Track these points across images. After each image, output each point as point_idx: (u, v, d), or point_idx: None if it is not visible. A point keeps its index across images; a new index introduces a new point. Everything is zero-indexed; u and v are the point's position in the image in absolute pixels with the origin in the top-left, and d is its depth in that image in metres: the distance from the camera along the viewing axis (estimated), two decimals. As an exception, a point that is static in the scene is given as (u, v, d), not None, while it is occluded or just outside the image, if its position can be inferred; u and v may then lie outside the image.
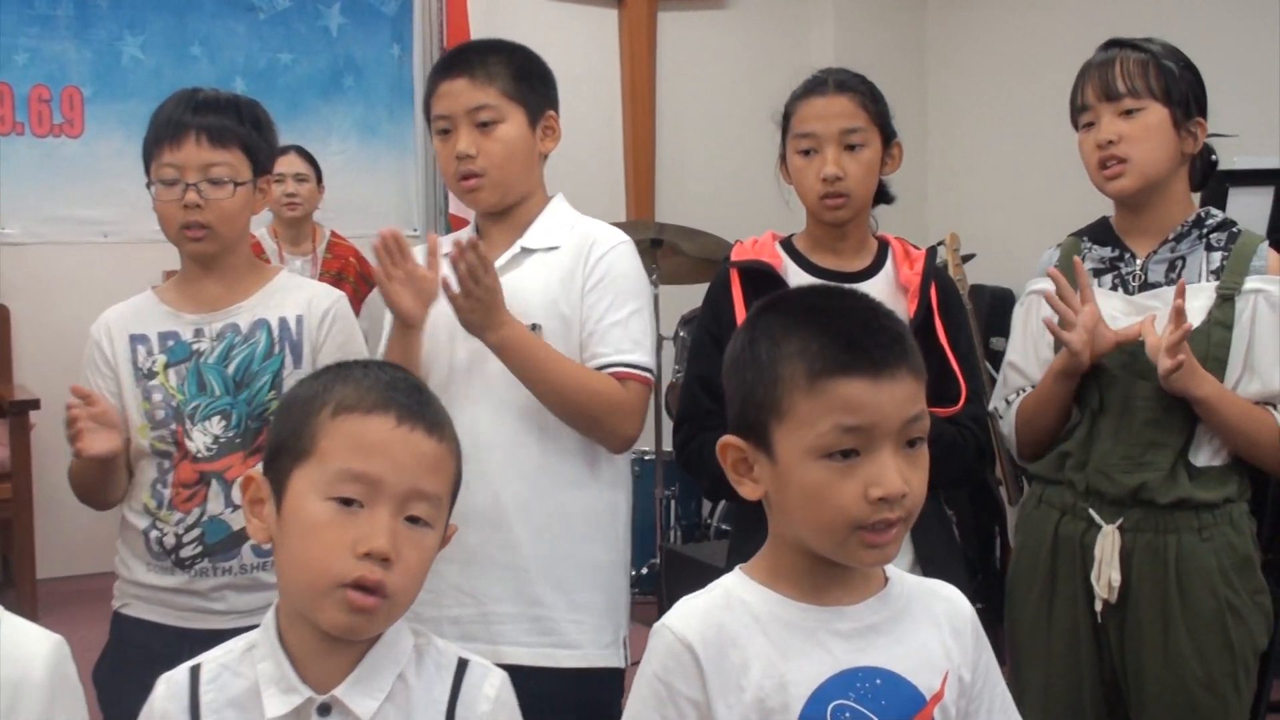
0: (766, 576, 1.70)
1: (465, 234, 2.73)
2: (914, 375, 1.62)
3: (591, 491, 2.60)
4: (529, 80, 2.65)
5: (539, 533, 2.55)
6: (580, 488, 2.59)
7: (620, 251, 2.63)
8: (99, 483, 2.59)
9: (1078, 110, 2.67)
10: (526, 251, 2.62)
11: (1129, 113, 2.58)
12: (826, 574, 1.66)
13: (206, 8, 6.19)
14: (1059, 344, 2.61)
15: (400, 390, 1.64)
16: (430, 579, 2.55)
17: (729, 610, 1.69)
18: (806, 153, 2.64)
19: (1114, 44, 2.65)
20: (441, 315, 2.58)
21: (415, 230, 6.49)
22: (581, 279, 2.59)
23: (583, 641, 2.55)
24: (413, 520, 1.60)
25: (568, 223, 2.67)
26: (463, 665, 1.71)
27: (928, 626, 1.70)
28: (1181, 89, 2.59)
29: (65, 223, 5.99)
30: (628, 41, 6.92)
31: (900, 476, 1.59)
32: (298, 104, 6.32)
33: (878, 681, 1.64)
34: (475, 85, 2.60)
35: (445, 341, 2.61)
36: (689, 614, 1.70)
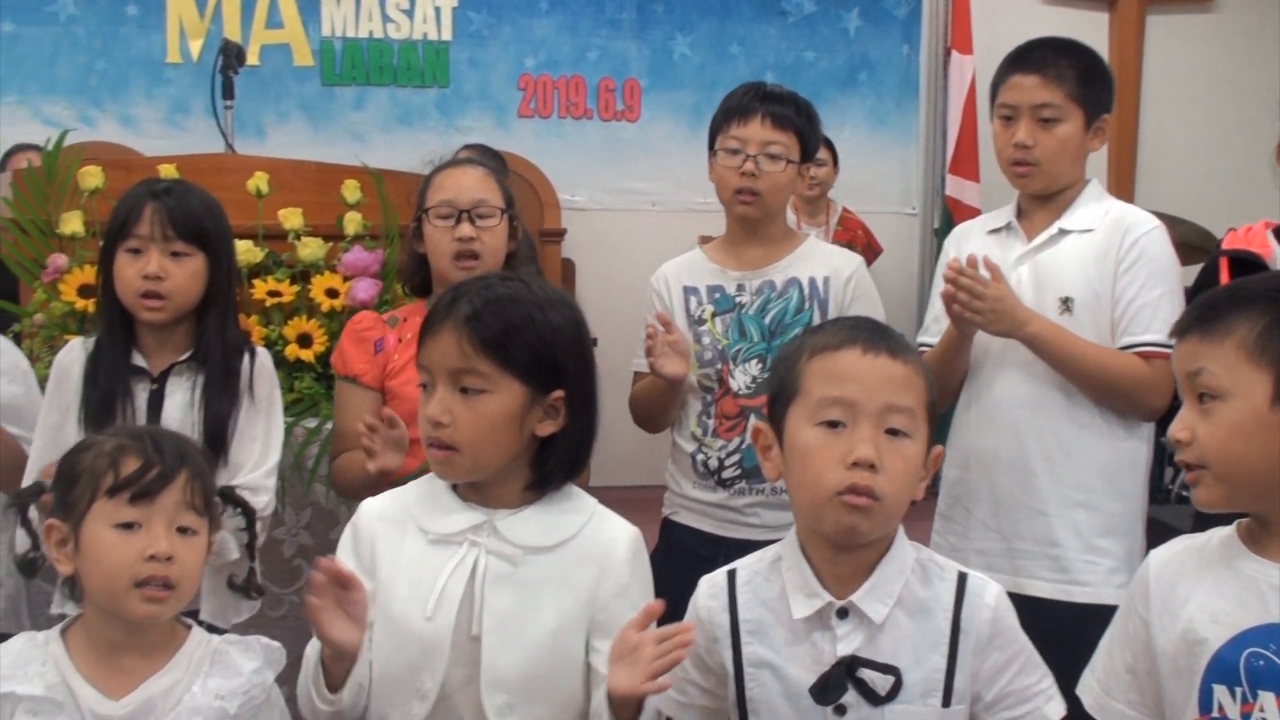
0: (1243, 530, 1.62)
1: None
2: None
3: (1111, 445, 2.50)
4: (1093, 85, 2.56)
5: (1059, 482, 2.49)
6: (1100, 441, 2.49)
7: (1154, 235, 2.52)
8: (661, 406, 2.68)
9: None
10: (1064, 232, 2.55)
11: None
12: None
13: (745, 12, 6.31)
14: None
15: (863, 328, 1.69)
16: (963, 516, 2.57)
17: (1200, 551, 1.64)
18: None
19: None
20: None
21: (914, 209, 6.44)
22: (1115, 260, 2.49)
23: (1096, 581, 2.46)
24: (893, 432, 1.62)
25: (1102, 207, 2.58)
26: (963, 577, 1.71)
27: None
28: None
29: (621, 193, 6.26)
30: (1116, 41, 6.57)
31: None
32: (817, 96, 6.18)
33: None
34: (1045, 84, 2.53)
35: None
36: (1167, 547, 1.69)
